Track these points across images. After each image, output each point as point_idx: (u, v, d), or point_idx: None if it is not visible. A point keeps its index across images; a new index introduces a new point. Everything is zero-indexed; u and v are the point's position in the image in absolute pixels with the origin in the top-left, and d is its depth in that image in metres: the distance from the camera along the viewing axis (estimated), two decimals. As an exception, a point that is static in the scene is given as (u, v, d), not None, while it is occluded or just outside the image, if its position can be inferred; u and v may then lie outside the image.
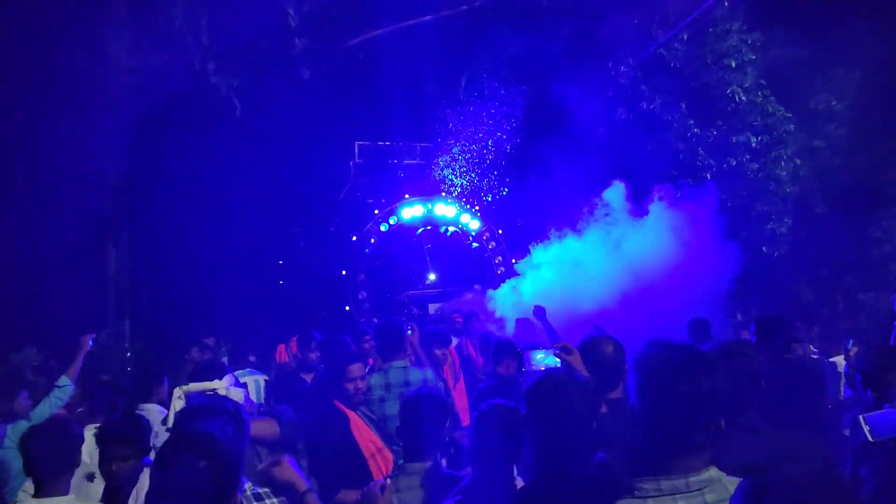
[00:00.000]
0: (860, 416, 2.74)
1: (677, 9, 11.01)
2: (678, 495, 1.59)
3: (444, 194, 13.48)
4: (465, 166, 14.63)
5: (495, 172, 15.40)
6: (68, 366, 5.05)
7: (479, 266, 13.85)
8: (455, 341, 6.88)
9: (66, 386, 4.83)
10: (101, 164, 11.84)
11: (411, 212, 13.13)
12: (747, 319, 8.44)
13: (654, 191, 10.35)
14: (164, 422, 4.44)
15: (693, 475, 1.59)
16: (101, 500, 3.06)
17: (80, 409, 5.36)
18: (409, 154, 14.45)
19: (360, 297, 12.71)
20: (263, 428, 2.81)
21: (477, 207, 13.61)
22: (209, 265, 14.68)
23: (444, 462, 3.60)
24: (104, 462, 3.11)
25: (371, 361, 5.18)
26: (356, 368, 3.90)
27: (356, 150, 14.36)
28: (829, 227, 11.80)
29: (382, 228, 12.95)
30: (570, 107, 13.02)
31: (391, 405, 4.22)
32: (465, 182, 14.40)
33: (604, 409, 2.52)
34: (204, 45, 10.65)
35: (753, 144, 10.52)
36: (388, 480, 2.54)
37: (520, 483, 2.76)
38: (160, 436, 4.49)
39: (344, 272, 12.69)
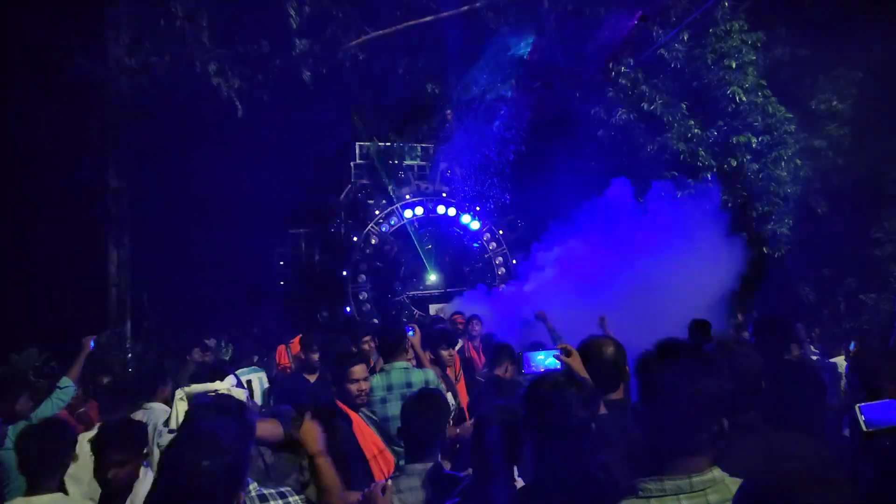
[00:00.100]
0: (856, 406, 2.75)
1: (678, 9, 11.02)
2: (682, 495, 1.60)
3: (444, 195, 13.49)
4: (466, 167, 14.63)
5: (496, 173, 15.41)
6: (69, 367, 5.06)
7: (479, 267, 13.86)
8: (460, 343, 6.89)
9: (67, 387, 4.85)
10: (102, 166, 11.85)
11: (412, 212, 13.13)
12: (748, 320, 8.43)
13: (654, 191, 10.37)
14: (167, 422, 4.46)
15: (696, 475, 1.60)
16: None
17: (81, 410, 5.38)
18: (410, 154, 14.45)
19: (360, 297, 12.71)
20: (267, 428, 2.81)
21: (478, 208, 13.61)
22: (210, 266, 14.70)
23: (447, 465, 3.61)
24: (100, 469, 3.01)
25: (371, 363, 5.19)
26: (359, 370, 3.90)
27: (357, 151, 14.37)
28: (831, 227, 11.79)
29: (383, 229, 12.96)
30: (570, 107, 13.03)
31: (393, 406, 4.23)
32: (465, 182, 14.40)
33: (603, 410, 2.51)
34: (205, 46, 10.65)
35: (754, 145, 10.51)
36: (390, 482, 2.55)
37: (520, 484, 2.76)
38: (163, 436, 4.54)
39: (345, 273, 12.69)
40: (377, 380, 4.31)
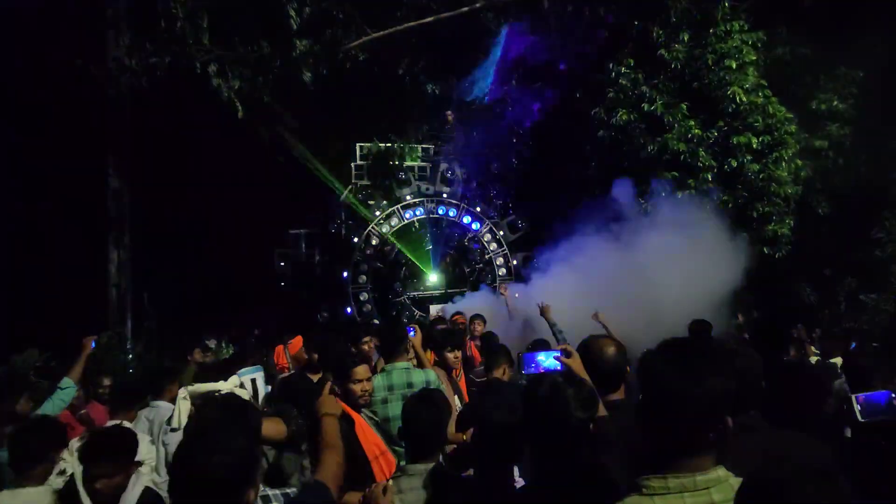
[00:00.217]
0: (852, 396, 2.76)
1: (678, 10, 11.03)
2: (685, 493, 1.60)
3: (445, 196, 13.49)
4: (466, 167, 14.65)
5: (496, 174, 15.43)
6: (70, 367, 5.06)
7: (480, 267, 13.87)
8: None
9: (68, 388, 4.84)
10: (102, 166, 11.86)
11: (413, 213, 13.14)
12: (749, 321, 8.43)
13: (655, 192, 10.38)
14: (169, 421, 4.49)
15: (701, 474, 1.61)
16: None
17: (83, 412, 5.38)
18: (411, 155, 14.47)
19: (361, 298, 12.71)
20: (270, 427, 2.81)
21: (478, 209, 13.62)
22: (210, 267, 14.72)
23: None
24: (87, 481, 2.95)
25: (372, 363, 5.18)
26: (361, 370, 3.89)
27: (357, 152, 14.39)
28: (832, 227, 11.79)
29: (384, 230, 12.96)
30: (570, 108, 13.04)
31: (394, 406, 4.22)
32: (466, 183, 14.42)
33: (603, 411, 2.51)
34: (206, 47, 10.65)
35: (755, 145, 10.50)
36: (391, 482, 2.55)
37: (520, 484, 2.77)
38: (168, 434, 4.57)
39: (345, 274, 12.69)
40: (378, 380, 4.30)
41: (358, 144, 14.35)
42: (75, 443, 4.05)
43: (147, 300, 10.99)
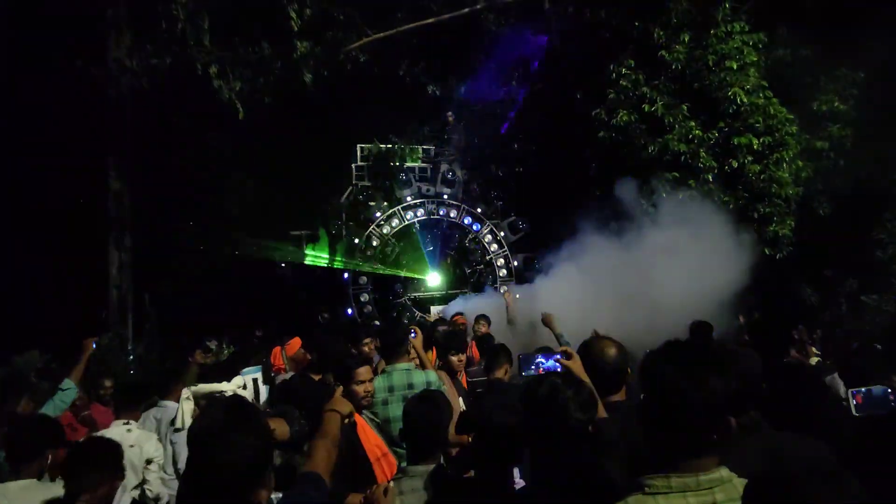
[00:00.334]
0: (848, 391, 2.77)
1: (678, 11, 11.03)
2: (688, 493, 1.60)
3: (445, 196, 13.49)
4: (467, 168, 14.65)
5: (497, 175, 15.43)
6: (71, 369, 5.07)
7: (481, 268, 13.87)
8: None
9: (69, 389, 4.84)
10: (103, 167, 11.87)
11: (413, 214, 13.14)
12: (749, 322, 8.42)
13: (656, 193, 10.37)
14: (172, 422, 4.52)
15: (704, 474, 1.61)
16: None
17: (85, 413, 5.38)
18: (411, 156, 14.47)
19: (362, 299, 12.71)
20: (274, 428, 2.81)
21: (479, 210, 13.62)
22: (211, 268, 14.72)
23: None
24: (71, 495, 2.88)
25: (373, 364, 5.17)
26: (364, 371, 3.89)
27: (358, 153, 14.39)
28: (833, 228, 11.78)
29: (384, 231, 12.96)
30: (571, 108, 13.04)
31: (394, 408, 4.22)
32: (467, 184, 14.42)
33: (604, 412, 2.51)
34: (206, 48, 10.66)
35: (756, 146, 10.50)
36: (391, 483, 2.55)
37: (521, 485, 2.77)
38: (167, 436, 4.61)
39: (346, 275, 12.69)
40: (379, 381, 4.30)
41: (359, 145, 14.36)
42: None
43: (148, 301, 10.99)
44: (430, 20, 12.51)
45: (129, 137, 12.03)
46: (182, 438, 4.04)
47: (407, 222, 13.11)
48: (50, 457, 3.42)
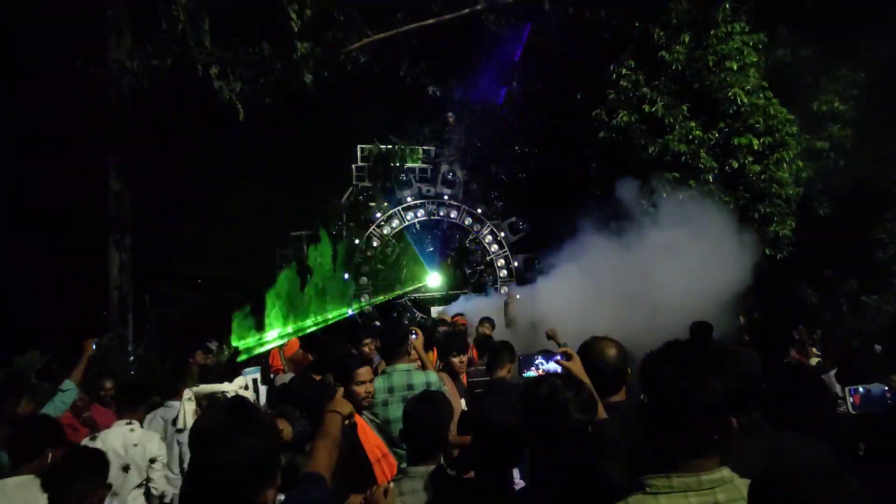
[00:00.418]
0: (845, 388, 2.77)
1: (679, 12, 11.03)
2: (690, 493, 1.60)
3: (446, 197, 13.49)
4: (468, 169, 14.64)
5: (498, 176, 15.42)
6: (71, 369, 5.07)
7: (481, 269, 13.87)
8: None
9: (69, 390, 4.85)
10: (103, 168, 11.87)
11: (414, 215, 13.14)
12: (750, 322, 8.42)
13: (656, 193, 10.37)
14: (174, 422, 4.54)
15: (705, 474, 1.61)
16: None
17: (86, 414, 5.38)
18: (412, 157, 14.48)
19: (362, 300, 12.71)
20: (281, 428, 2.81)
21: (479, 210, 13.62)
22: (212, 269, 14.72)
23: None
24: None
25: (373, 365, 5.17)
26: (364, 371, 3.88)
27: (358, 153, 14.40)
28: (833, 229, 11.78)
29: (385, 231, 12.96)
30: (571, 109, 13.04)
31: (394, 408, 4.22)
32: (467, 185, 14.42)
33: (604, 413, 2.51)
34: (207, 49, 10.67)
35: (756, 146, 10.50)
36: (392, 484, 2.55)
37: (522, 486, 2.76)
38: (174, 436, 4.63)
39: (346, 275, 12.68)
40: (379, 382, 4.30)
41: (359, 146, 14.37)
42: (87, 443, 4.13)
43: (148, 302, 10.99)
44: (430, 21, 12.51)
45: (130, 138, 12.04)
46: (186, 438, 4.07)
47: (407, 223, 13.11)
48: (50, 456, 3.46)
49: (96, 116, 11.98)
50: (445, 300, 13.03)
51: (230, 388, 4.40)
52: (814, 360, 7.08)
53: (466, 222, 13.48)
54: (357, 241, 12.78)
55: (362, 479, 3.31)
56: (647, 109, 11.01)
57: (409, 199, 13.23)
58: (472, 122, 14.98)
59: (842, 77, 11.88)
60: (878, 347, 7.51)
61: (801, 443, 2.41)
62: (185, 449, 4.66)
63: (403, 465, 3.12)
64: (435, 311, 12.67)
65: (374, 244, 12.89)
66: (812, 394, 2.73)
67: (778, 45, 11.80)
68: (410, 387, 4.32)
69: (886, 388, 2.77)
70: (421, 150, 14.83)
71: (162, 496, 4.40)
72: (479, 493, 2.51)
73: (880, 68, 11.15)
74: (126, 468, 4.21)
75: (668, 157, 10.78)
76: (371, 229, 12.87)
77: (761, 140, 10.53)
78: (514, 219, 13.83)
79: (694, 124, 10.75)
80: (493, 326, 7.77)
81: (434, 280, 13.63)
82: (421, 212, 13.20)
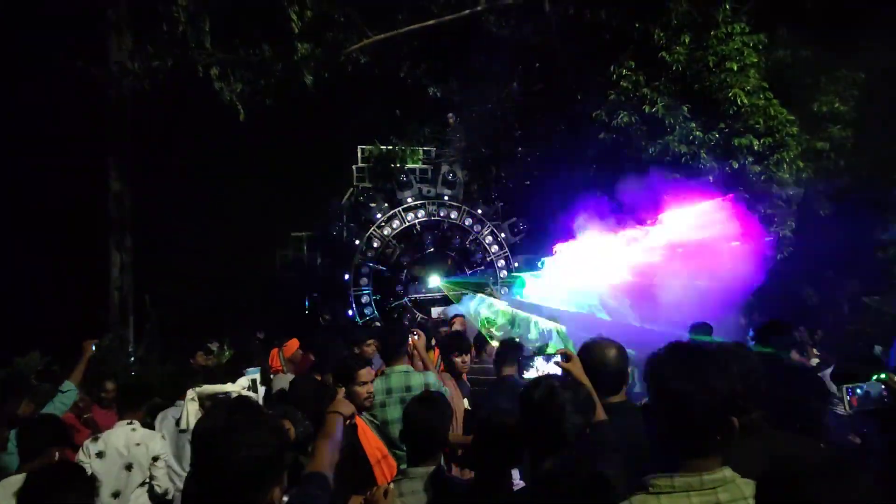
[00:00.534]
0: (843, 387, 2.78)
1: (679, 13, 11.03)
2: (692, 492, 1.62)
3: (446, 198, 13.49)
4: (468, 169, 14.65)
5: (498, 175, 15.43)
6: (71, 370, 5.07)
7: (481, 269, 13.86)
8: None
9: (69, 391, 4.85)
10: (103, 169, 11.88)
11: (414, 215, 13.13)
12: (751, 323, 8.42)
13: (657, 194, 10.36)
14: (178, 423, 4.57)
15: (707, 474, 1.63)
16: None
17: (87, 416, 5.38)
18: (412, 157, 14.48)
19: (362, 301, 12.71)
20: (289, 428, 2.81)
21: (480, 211, 13.62)
22: (212, 270, 14.73)
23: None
24: None
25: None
26: (365, 372, 3.89)
27: (359, 154, 14.40)
28: (834, 229, 11.77)
29: (385, 232, 12.96)
30: (572, 110, 13.04)
31: (392, 410, 4.22)
32: (467, 185, 14.42)
33: (603, 415, 2.51)
34: (207, 50, 10.67)
35: (756, 147, 10.50)
36: (392, 485, 2.55)
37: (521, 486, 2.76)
38: (176, 436, 4.63)
39: (347, 276, 12.69)
40: (377, 384, 4.30)
41: (359, 147, 14.37)
42: (89, 443, 4.15)
43: (149, 302, 10.98)
44: (430, 21, 12.50)
45: (130, 138, 12.04)
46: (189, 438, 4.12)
47: (408, 223, 13.11)
48: (57, 455, 3.57)
49: (97, 117, 11.98)
50: (446, 301, 13.03)
51: (233, 388, 4.42)
52: (814, 361, 7.08)
53: (467, 223, 13.48)
54: (357, 242, 12.78)
55: (362, 480, 3.31)
56: (647, 110, 11.01)
57: (409, 199, 13.22)
58: (472, 122, 14.99)
59: (842, 78, 11.87)
60: (878, 348, 7.51)
61: (802, 444, 2.41)
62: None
63: (403, 466, 3.13)
64: (435, 311, 12.67)
65: (375, 245, 12.89)
66: (812, 395, 2.73)
67: (778, 46, 11.79)
68: (408, 388, 4.32)
69: (883, 386, 2.78)
70: (421, 151, 14.83)
71: (165, 493, 4.46)
72: (479, 493, 2.51)
73: (880, 69, 11.14)
74: (129, 467, 4.28)
75: (669, 158, 10.78)
76: (371, 230, 12.87)
77: (762, 141, 10.52)
78: (514, 219, 13.83)
79: (694, 125, 10.75)
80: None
81: (434, 281, 13.62)
82: (421, 212, 13.20)
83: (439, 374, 5.03)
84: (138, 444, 4.34)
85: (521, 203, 14.66)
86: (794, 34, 11.80)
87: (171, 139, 13.92)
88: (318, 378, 5.36)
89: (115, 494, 4.23)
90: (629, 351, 3.00)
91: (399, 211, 13.09)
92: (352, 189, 14.23)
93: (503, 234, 13.55)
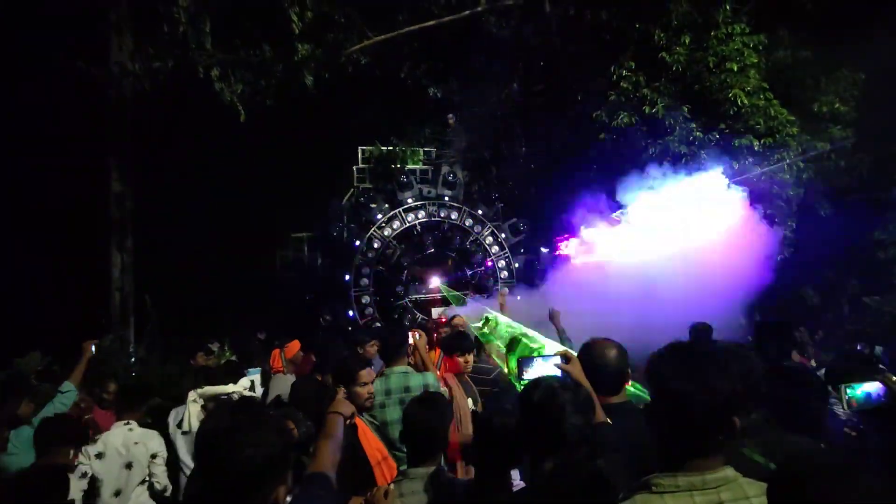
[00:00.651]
0: (842, 386, 2.78)
1: (679, 13, 11.04)
2: (694, 492, 1.63)
3: (447, 198, 13.49)
4: (469, 170, 14.65)
5: (498, 176, 15.43)
6: (71, 371, 5.07)
7: (482, 270, 13.86)
8: None
9: (69, 391, 4.85)
10: (104, 169, 11.88)
11: (415, 216, 13.13)
12: (751, 323, 8.42)
13: (657, 194, 10.36)
14: (179, 425, 4.59)
15: (709, 473, 1.64)
16: None
17: (88, 416, 5.38)
18: (412, 158, 14.47)
19: (363, 301, 12.71)
20: (292, 428, 2.81)
21: (480, 212, 13.62)
22: (213, 270, 14.74)
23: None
24: None
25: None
26: (366, 373, 3.89)
27: (359, 155, 14.40)
28: (834, 229, 11.78)
29: (386, 233, 12.96)
30: (572, 110, 13.05)
31: (391, 411, 4.22)
32: (468, 186, 14.42)
33: (603, 415, 2.51)
34: (208, 51, 10.68)
35: (756, 147, 10.51)
36: (392, 486, 2.55)
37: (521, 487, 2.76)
38: (177, 436, 4.63)
39: (347, 277, 12.68)
40: (376, 385, 4.29)
41: (360, 147, 14.37)
42: (87, 446, 4.17)
43: (149, 303, 10.98)
44: (431, 22, 12.51)
45: (131, 139, 12.04)
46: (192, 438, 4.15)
47: (408, 224, 13.11)
48: (72, 453, 3.79)
49: (97, 117, 11.98)
50: (446, 301, 13.02)
51: (235, 389, 4.43)
52: (814, 362, 7.08)
53: (467, 224, 13.47)
54: (358, 243, 12.78)
55: (363, 481, 3.30)
56: (647, 111, 11.02)
57: (409, 200, 13.22)
58: (472, 123, 14.99)
59: (842, 78, 11.88)
60: (878, 349, 7.51)
61: (801, 443, 2.41)
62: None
63: (403, 467, 3.13)
64: (436, 312, 12.66)
65: (375, 245, 12.89)
66: (813, 395, 2.73)
67: (778, 47, 11.80)
68: (407, 389, 4.32)
69: (881, 385, 2.78)
70: (422, 152, 14.83)
71: (164, 490, 4.51)
72: (479, 493, 2.51)
73: (881, 69, 11.15)
74: (129, 465, 4.33)
75: (669, 158, 10.79)
76: (372, 231, 12.87)
77: (762, 141, 10.53)
78: (514, 220, 13.83)
79: (694, 125, 10.76)
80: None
81: (435, 282, 13.62)
82: (422, 213, 13.20)
83: (443, 375, 5.03)
84: (137, 443, 4.39)
85: (522, 203, 14.67)
86: (794, 35, 11.81)
87: (171, 140, 13.92)
88: (319, 378, 5.37)
89: (117, 493, 4.25)
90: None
91: (399, 212, 13.09)
92: (352, 190, 14.22)
93: (503, 235, 13.55)
